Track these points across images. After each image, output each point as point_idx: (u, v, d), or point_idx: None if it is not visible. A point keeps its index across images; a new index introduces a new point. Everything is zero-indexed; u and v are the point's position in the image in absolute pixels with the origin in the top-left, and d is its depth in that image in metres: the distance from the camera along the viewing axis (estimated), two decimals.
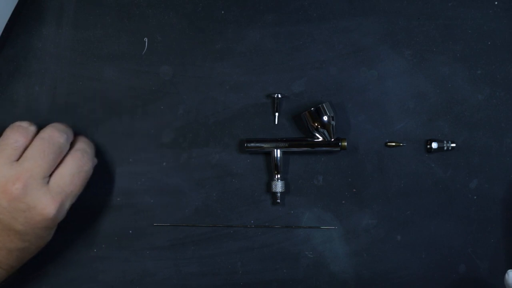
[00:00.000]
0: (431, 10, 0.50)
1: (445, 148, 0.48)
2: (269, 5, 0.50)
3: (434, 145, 0.48)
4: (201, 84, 0.50)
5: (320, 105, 0.47)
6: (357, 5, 0.50)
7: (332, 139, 0.48)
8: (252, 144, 0.48)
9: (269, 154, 0.49)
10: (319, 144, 0.48)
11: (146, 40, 0.50)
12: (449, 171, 0.49)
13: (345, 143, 0.48)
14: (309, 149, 0.48)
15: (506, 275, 0.42)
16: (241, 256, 0.49)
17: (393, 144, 0.49)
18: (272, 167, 0.48)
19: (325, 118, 0.47)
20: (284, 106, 0.50)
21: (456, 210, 0.49)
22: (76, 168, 0.42)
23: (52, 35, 0.50)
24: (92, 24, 0.50)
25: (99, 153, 0.49)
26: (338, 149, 0.48)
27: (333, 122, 0.47)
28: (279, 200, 0.49)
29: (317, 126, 0.47)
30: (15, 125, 0.43)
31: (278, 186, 0.48)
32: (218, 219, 0.50)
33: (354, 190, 0.49)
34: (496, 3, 0.50)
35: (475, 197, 0.49)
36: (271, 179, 0.49)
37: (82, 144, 0.44)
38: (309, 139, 0.48)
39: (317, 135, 0.48)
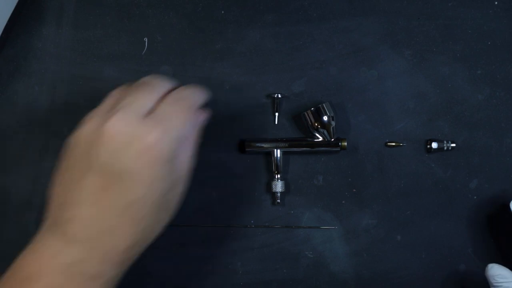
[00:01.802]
0: (431, 10, 0.50)
1: (445, 148, 0.48)
2: (269, 5, 0.50)
3: (434, 145, 0.48)
4: (201, 84, 0.50)
5: (320, 105, 0.47)
6: (357, 5, 0.50)
7: (332, 139, 0.48)
8: (252, 144, 0.48)
9: (269, 154, 0.49)
10: (319, 144, 0.48)
11: (146, 40, 0.50)
12: (449, 171, 0.49)
13: (345, 143, 0.48)
14: (309, 149, 0.48)
15: (487, 267, 0.43)
16: (241, 256, 0.49)
17: (393, 144, 0.49)
18: (272, 167, 0.48)
19: (325, 118, 0.47)
20: (284, 106, 0.50)
21: (456, 210, 0.49)
22: (173, 97, 0.38)
23: (52, 35, 0.50)
24: (92, 24, 0.50)
25: None
26: (338, 149, 0.48)
27: (333, 122, 0.47)
28: (279, 200, 0.49)
29: (317, 126, 0.47)
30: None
31: (278, 186, 0.48)
32: (218, 219, 0.50)
33: (354, 190, 0.49)
34: (496, 3, 0.50)
35: (475, 197, 0.49)
36: (271, 179, 0.49)
37: (183, 88, 0.40)
38: (309, 139, 0.48)
39: (317, 135, 0.48)
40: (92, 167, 0.35)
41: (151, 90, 0.38)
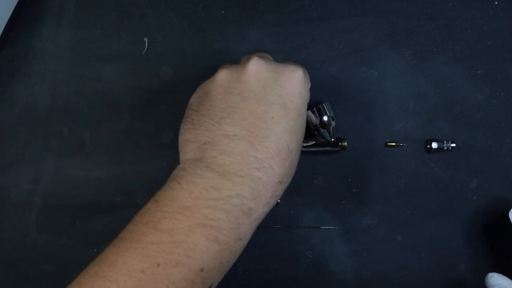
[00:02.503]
0: (431, 10, 0.50)
1: (445, 148, 0.48)
2: (269, 5, 0.50)
3: (434, 145, 0.48)
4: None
5: (320, 105, 0.47)
6: (357, 5, 0.50)
7: (332, 139, 0.48)
8: None
9: None
10: (319, 144, 0.48)
11: (146, 40, 0.50)
12: (449, 171, 0.49)
13: (345, 143, 0.48)
14: (309, 149, 0.48)
15: (487, 276, 0.42)
16: (241, 256, 0.49)
17: (393, 144, 0.49)
18: None
19: (325, 118, 0.47)
20: None
21: (456, 210, 0.49)
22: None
23: (52, 35, 0.50)
24: (92, 24, 0.50)
25: (99, 153, 0.49)
26: (338, 149, 0.48)
27: (333, 122, 0.47)
28: (279, 200, 0.48)
29: (317, 126, 0.47)
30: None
31: None
32: None
33: (354, 190, 0.49)
34: (496, 3, 0.50)
35: (475, 197, 0.49)
36: None
37: None
38: (309, 139, 0.48)
39: (317, 135, 0.48)
40: (241, 101, 0.35)
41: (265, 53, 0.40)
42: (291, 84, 0.36)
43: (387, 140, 0.49)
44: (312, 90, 0.50)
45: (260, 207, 0.34)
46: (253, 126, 0.34)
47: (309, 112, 0.47)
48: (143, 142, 0.50)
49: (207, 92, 0.37)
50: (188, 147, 0.36)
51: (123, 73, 0.50)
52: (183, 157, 0.36)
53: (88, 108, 0.50)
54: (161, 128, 0.50)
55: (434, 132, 0.49)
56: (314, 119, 0.47)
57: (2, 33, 0.48)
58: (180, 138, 0.37)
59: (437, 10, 0.50)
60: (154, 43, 0.50)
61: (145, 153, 0.50)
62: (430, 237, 0.49)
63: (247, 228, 0.34)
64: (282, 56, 0.50)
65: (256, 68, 0.36)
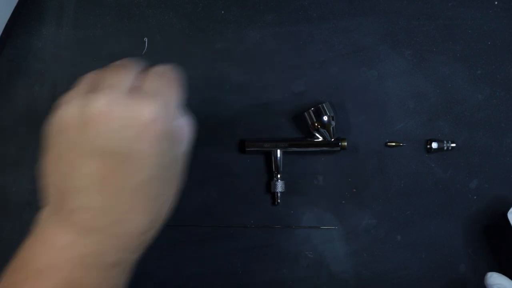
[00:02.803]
0: (431, 10, 0.50)
1: (445, 148, 0.48)
2: (269, 5, 0.50)
3: (434, 145, 0.48)
4: (201, 84, 0.50)
5: (320, 105, 0.47)
6: (357, 5, 0.50)
7: (332, 139, 0.48)
8: (252, 144, 0.48)
9: (269, 154, 0.49)
10: (319, 144, 0.48)
11: (146, 40, 0.50)
12: (449, 171, 0.49)
13: (345, 143, 0.48)
14: (309, 149, 0.48)
15: (486, 276, 0.42)
16: (241, 256, 0.49)
17: (393, 144, 0.49)
18: (272, 167, 0.48)
19: (325, 118, 0.47)
20: (284, 106, 0.50)
21: (456, 210, 0.49)
22: (156, 74, 0.35)
23: (52, 35, 0.50)
24: (92, 24, 0.50)
25: None
26: (338, 149, 0.48)
27: (333, 122, 0.47)
28: (279, 200, 0.49)
29: (317, 126, 0.47)
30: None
31: (278, 186, 0.48)
32: (218, 219, 0.50)
33: (354, 190, 0.49)
34: (496, 3, 0.50)
35: (475, 197, 0.49)
36: (271, 179, 0.49)
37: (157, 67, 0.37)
38: (309, 139, 0.48)
39: (317, 135, 0.48)
40: (88, 152, 0.31)
41: (128, 69, 0.35)
42: (139, 129, 0.31)
43: (387, 140, 0.49)
44: (312, 90, 0.50)
45: (126, 256, 0.33)
46: (103, 179, 0.31)
47: (308, 112, 0.47)
48: None
49: (53, 131, 0.34)
50: (49, 193, 0.34)
51: None
52: (44, 197, 0.34)
53: None
54: None
55: (434, 132, 0.49)
56: (313, 119, 0.47)
57: (2, 33, 0.48)
58: (43, 172, 0.34)
59: (437, 10, 0.50)
60: (154, 43, 0.50)
61: None
62: (430, 237, 0.49)
63: (116, 277, 0.33)
64: (282, 56, 0.50)
65: (104, 110, 0.31)
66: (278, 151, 0.48)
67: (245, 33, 0.50)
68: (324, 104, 0.47)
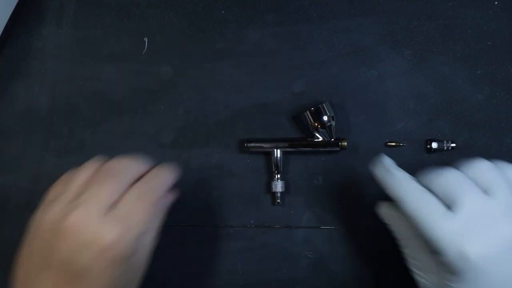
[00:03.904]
0: (431, 10, 0.50)
1: (445, 148, 0.48)
2: (269, 5, 0.50)
3: (434, 145, 0.48)
4: (201, 84, 0.50)
5: (320, 105, 0.47)
6: (357, 5, 0.50)
7: (332, 139, 0.48)
8: (252, 144, 0.48)
9: (269, 154, 0.49)
10: (319, 144, 0.48)
11: (146, 40, 0.50)
12: None
13: (345, 143, 0.48)
14: (309, 149, 0.48)
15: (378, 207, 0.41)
16: (241, 256, 0.49)
17: (393, 144, 0.49)
18: (272, 167, 0.49)
19: (325, 118, 0.47)
20: (284, 106, 0.50)
21: None
22: (136, 195, 0.36)
23: (52, 35, 0.50)
24: (92, 24, 0.50)
25: (99, 153, 0.49)
26: (338, 149, 0.48)
27: (333, 122, 0.47)
28: (279, 200, 0.49)
29: (317, 126, 0.47)
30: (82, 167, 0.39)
31: (278, 186, 0.48)
32: (218, 219, 0.50)
33: (354, 190, 0.49)
34: (496, 3, 0.50)
35: None
36: (271, 179, 0.49)
37: (150, 175, 0.39)
38: (309, 139, 0.48)
39: (317, 135, 0.48)
40: (52, 262, 0.34)
41: (117, 180, 0.37)
42: (100, 253, 0.34)
43: (387, 140, 0.49)
44: (312, 90, 0.50)
45: None
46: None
47: (308, 112, 0.47)
48: (143, 142, 0.50)
49: (31, 233, 0.36)
50: (16, 283, 0.36)
51: (123, 73, 0.50)
52: None
53: (88, 108, 0.50)
54: (161, 128, 0.50)
55: (434, 132, 0.49)
56: (313, 119, 0.47)
57: (2, 33, 0.48)
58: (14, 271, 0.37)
59: (437, 10, 0.50)
60: (154, 43, 0.50)
61: (145, 153, 0.50)
62: None
63: None
64: (282, 56, 0.50)
65: (69, 231, 0.34)
66: (278, 151, 0.48)
67: (245, 33, 0.50)
68: (324, 104, 0.47)
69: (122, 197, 0.36)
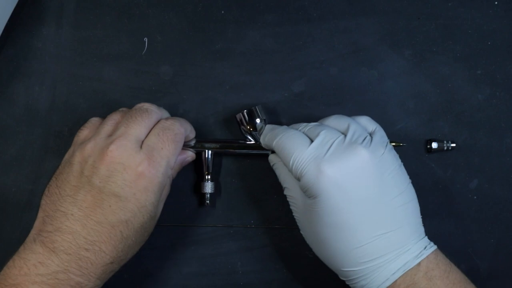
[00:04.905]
0: (431, 10, 0.50)
1: (445, 148, 0.48)
2: (269, 5, 0.50)
3: (434, 145, 0.48)
4: (201, 84, 0.50)
5: (253, 108, 0.46)
6: (357, 5, 0.50)
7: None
8: (192, 143, 0.47)
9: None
10: (250, 146, 0.47)
11: (146, 40, 0.50)
12: (449, 171, 0.49)
13: None
14: (240, 151, 0.48)
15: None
16: (241, 256, 0.49)
17: (393, 144, 0.49)
18: (203, 168, 0.48)
19: (258, 120, 0.46)
20: (284, 106, 0.50)
21: (456, 210, 0.49)
22: (161, 128, 0.42)
23: (52, 35, 0.50)
24: (92, 24, 0.50)
25: None
26: (269, 152, 0.47)
27: (265, 125, 0.46)
28: (208, 201, 0.48)
29: (249, 129, 0.46)
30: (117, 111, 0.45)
31: (208, 187, 0.47)
32: (218, 219, 0.50)
33: None
34: (496, 3, 0.50)
35: (475, 197, 0.49)
36: (201, 179, 0.48)
37: (170, 118, 0.44)
38: (241, 141, 0.48)
39: (249, 137, 0.47)
40: (87, 184, 0.39)
41: (147, 119, 0.42)
42: (136, 178, 0.39)
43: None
44: (312, 90, 0.50)
45: (91, 281, 0.38)
46: (90, 209, 0.38)
47: (240, 114, 0.46)
48: None
49: (70, 163, 0.41)
50: (39, 213, 0.40)
51: (123, 73, 0.50)
52: (35, 221, 0.40)
53: (88, 108, 0.50)
54: None
55: (434, 132, 0.49)
56: (245, 122, 0.46)
57: (2, 33, 0.48)
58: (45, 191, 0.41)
59: (437, 10, 0.50)
60: (154, 43, 0.50)
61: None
62: (430, 237, 0.49)
63: None
64: (282, 56, 0.50)
65: (110, 156, 0.39)
66: (209, 152, 0.47)
67: (245, 33, 0.50)
68: (256, 107, 0.46)
69: (149, 134, 0.41)
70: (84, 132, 0.44)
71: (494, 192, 0.49)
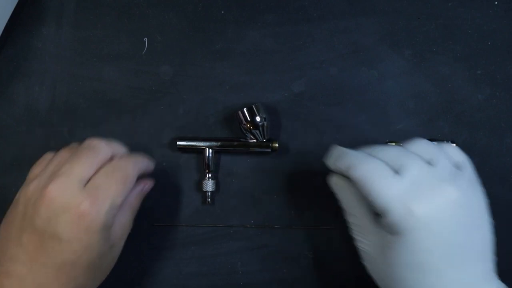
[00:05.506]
0: (431, 10, 0.50)
1: None
2: (269, 5, 0.50)
3: None
4: (201, 84, 0.50)
5: (253, 105, 0.46)
6: (357, 5, 0.50)
7: (264, 140, 0.47)
8: (183, 143, 0.48)
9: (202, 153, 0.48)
10: (251, 144, 0.48)
11: (146, 40, 0.50)
12: None
13: (276, 145, 0.47)
14: (241, 149, 0.48)
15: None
16: (241, 256, 0.49)
17: (393, 144, 0.49)
18: (203, 165, 0.48)
19: (258, 118, 0.46)
20: (284, 106, 0.50)
21: None
22: (111, 167, 0.40)
23: (52, 35, 0.50)
24: (92, 24, 0.50)
25: None
26: (269, 150, 0.47)
27: (265, 123, 0.47)
28: (209, 200, 0.48)
29: (249, 127, 0.46)
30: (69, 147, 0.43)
31: (209, 185, 0.48)
32: (218, 219, 0.50)
33: None
34: (496, 3, 0.50)
35: None
36: (202, 178, 0.49)
37: (124, 155, 0.43)
38: (241, 139, 0.48)
39: (249, 135, 0.47)
40: (30, 226, 0.37)
41: (93, 157, 0.40)
42: (77, 219, 0.37)
43: (387, 140, 0.49)
44: (312, 90, 0.50)
45: None
46: (35, 252, 0.37)
47: (239, 112, 0.46)
48: (143, 142, 0.50)
49: (16, 203, 0.40)
50: None
51: (123, 73, 0.50)
52: None
53: (88, 108, 0.50)
54: (161, 128, 0.50)
55: (434, 132, 0.49)
56: (245, 120, 0.46)
57: (2, 33, 0.48)
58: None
59: (437, 10, 0.50)
60: (154, 43, 0.50)
61: (145, 153, 0.50)
62: None
63: None
64: (282, 56, 0.50)
65: (49, 197, 0.37)
66: (210, 150, 0.48)
67: (245, 33, 0.50)
68: (255, 105, 0.46)
69: (97, 172, 0.39)
70: (35, 170, 0.42)
71: (494, 192, 0.49)
